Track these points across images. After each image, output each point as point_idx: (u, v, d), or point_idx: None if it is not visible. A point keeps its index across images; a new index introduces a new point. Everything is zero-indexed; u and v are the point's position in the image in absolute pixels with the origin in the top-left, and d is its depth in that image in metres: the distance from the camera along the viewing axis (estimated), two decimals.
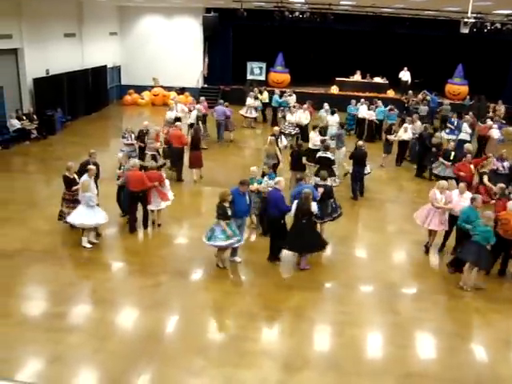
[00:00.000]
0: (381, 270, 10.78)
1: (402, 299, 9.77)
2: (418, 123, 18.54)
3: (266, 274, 10.26)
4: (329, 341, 8.44)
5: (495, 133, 18.84)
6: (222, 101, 21.55)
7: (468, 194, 11.17)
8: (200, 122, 18.83)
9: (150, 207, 12.03)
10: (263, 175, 12.19)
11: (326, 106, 20.29)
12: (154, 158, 13.97)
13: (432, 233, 11.47)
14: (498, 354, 8.22)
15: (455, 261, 10.53)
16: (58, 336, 8.04)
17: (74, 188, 11.32)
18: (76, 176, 11.43)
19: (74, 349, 7.80)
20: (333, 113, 19.67)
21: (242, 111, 23.43)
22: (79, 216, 10.81)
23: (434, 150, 16.22)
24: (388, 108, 20.99)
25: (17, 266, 10.23)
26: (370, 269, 10.88)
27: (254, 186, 11.60)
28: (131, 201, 11.80)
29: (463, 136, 18.73)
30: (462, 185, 11.57)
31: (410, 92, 25.23)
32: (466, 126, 19.07)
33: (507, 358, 8.16)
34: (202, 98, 21.44)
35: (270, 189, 11.19)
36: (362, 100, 22.22)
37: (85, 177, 11.04)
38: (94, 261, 10.65)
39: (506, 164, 14.62)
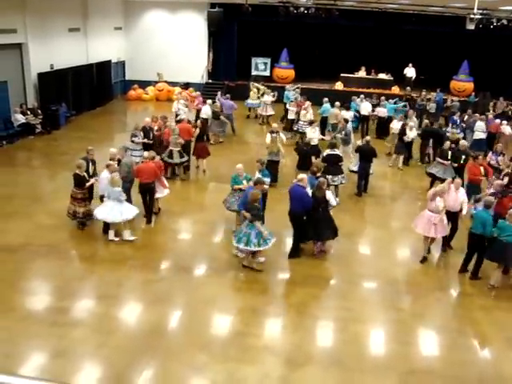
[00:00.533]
0: (384, 266, 10.77)
1: (405, 296, 9.75)
2: (414, 119, 18.47)
3: (269, 269, 10.25)
4: (332, 337, 8.44)
5: (507, 129, 18.62)
6: (228, 95, 21.69)
7: (463, 190, 11.25)
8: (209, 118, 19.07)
9: (157, 195, 12.21)
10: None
11: (337, 102, 20.38)
12: (180, 154, 14.66)
13: (430, 239, 11.05)
14: (502, 352, 8.21)
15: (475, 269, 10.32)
16: (61, 331, 8.06)
17: (88, 184, 11.38)
18: (85, 174, 11.45)
19: (78, 343, 7.83)
20: (347, 108, 20.03)
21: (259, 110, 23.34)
22: (111, 211, 10.88)
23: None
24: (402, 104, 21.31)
25: (21, 260, 10.26)
26: (373, 265, 10.87)
27: (238, 186, 11.34)
28: (143, 193, 11.87)
29: (479, 135, 18.35)
30: (457, 180, 11.50)
31: (408, 88, 25.14)
32: (481, 125, 18.77)
33: (511, 357, 8.13)
34: (197, 93, 21.44)
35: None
36: (362, 96, 22.09)
37: (105, 173, 11.16)
38: (97, 256, 10.69)
39: (500, 158, 14.64)
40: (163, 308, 8.87)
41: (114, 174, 10.97)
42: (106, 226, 11.29)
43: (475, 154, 14.15)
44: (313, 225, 10.60)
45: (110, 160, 11.80)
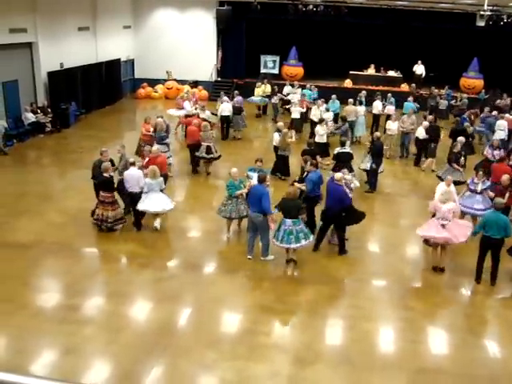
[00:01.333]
0: (394, 264, 10.75)
1: (414, 294, 9.74)
2: (413, 117, 18.27)
3: (278, 267, 10.26)
4: (341, 335, 8.44)
5: None
6: (237, 91, 21.95)
7: (453, 187, 11.25)
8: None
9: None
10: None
11: (351, 100, 20.54)
12: (208, 148, 15.03)
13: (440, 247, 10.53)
14: (511, 349, 8.17)
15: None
16: (71, 328, 8.12)
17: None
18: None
19: (88, 341, 7.88)
20: (361, 103, 20.40)
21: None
22: (156, 202, 11.24)
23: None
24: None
25: (32, 257, 10.34)
26: (383, 263, 10.86)
27: (240, 192, 11.13)
28: None
29: (500, 134, 17.75)
30: (448, 177, 11.52)
31: (414, 85, 25.02)
32: (503, 124, 18.39)
33: None
34: (194, 90, 21.47)
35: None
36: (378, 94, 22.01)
37: (134, 169, 11.36)
38: (107, 253, 10.74)
39: (496, 152, 14.52)
40: (172, 306, 8.91)
41: (152, 166, 11.33)
42: (137, 220, 11.59)
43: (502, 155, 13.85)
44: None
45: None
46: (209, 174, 15.75)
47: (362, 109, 20.07)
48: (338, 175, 10.85)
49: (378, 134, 15.17)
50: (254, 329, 8.33)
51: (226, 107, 19.42)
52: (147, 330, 8.21)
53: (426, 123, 17.18)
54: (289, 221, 9.88)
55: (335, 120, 19.47)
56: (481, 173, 11.99)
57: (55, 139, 19.39)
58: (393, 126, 18.13)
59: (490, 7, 18.38)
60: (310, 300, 9.27)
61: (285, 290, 9.52)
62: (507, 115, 19.49)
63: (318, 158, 13.91)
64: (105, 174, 11.08)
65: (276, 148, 15.30)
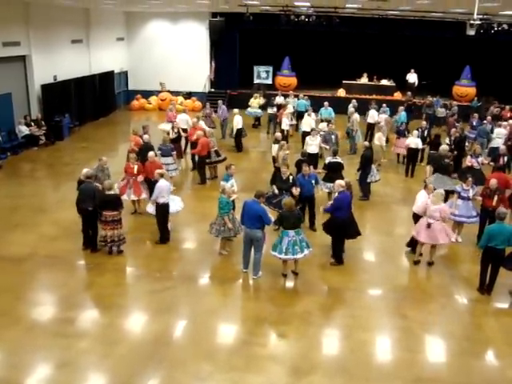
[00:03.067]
0: (389, 273, 10.74)
1: (410, 302, 9.71)
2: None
3: (273, 278, 10.23)
4: (337, 345, 8.41)
5: None
6: (221, 101, 22.10)
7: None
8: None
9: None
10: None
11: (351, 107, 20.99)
12: (217, 152, 15.93)
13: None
14: (509, 357, 8.16)
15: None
16: (67, 341, 8.07)
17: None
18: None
19: (83, 354, 7.83)
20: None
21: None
22: (173, 203, 11.81)
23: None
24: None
25: (26, 271, 10.30)
26: (378, 272, 10.85)
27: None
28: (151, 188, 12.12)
29: (498, 142, 17.57)
30: (430, 185, 11.47)
31: (409, 93, 25.18)
32: (501, 131, 18.36)
33: None
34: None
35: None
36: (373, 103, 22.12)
37: (163, 181, 11.38)
38: (102, 266, 10.69)
39: (479, 159, 14.59)
40: (168, 318, 8.87)
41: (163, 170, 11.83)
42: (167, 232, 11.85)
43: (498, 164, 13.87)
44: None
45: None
46: (216, 177, 16.08)
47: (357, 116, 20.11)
48: (338, 183, 10.96)
49: (366, 143, 15.22)
50: (250, 340, 8.31)
51: (237, 120, 19.39)
52: (143, 343, 8.17)
53: (416, 132, 17.08)
54: (291, 232, 9.85)
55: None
56: (470, 179, 12.04)
57: (49, 152, 19.37)
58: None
59: (480, 16, 18.51)
60: (306, 310, 9.25)
61: (280, 301, 9.50)
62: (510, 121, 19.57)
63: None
64: (110, 192, 10.78)
65: (274, 159, 15.30)
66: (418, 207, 11.14)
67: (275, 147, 15.18)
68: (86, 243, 11.17)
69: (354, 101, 21.95)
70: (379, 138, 17.93)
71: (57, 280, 10.05)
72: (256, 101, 23.83)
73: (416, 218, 11.28)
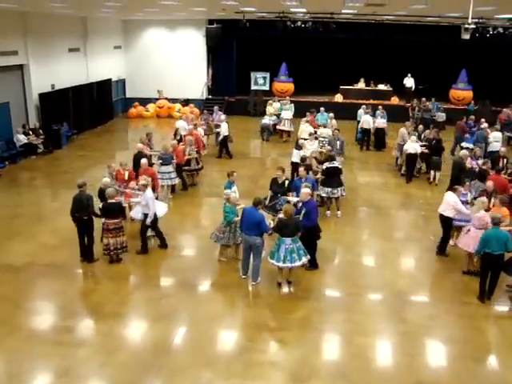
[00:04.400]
0: (389, 277, 10.74)
1: (410, 307, 9.71)
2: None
3: (272, 284, 10.23)
4: (337, 350, 8.40)
5: None
6: (217, 107, 22.14)
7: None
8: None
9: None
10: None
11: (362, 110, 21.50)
12: (196, 160, 16.11)
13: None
14: (508, 360, 8.14)
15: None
16: (66, 350, 8.05)
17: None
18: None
19: (82, 363, 7.81)
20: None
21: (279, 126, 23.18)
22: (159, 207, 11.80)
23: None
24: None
25: (25, 280, 10.28)
26: (377, 277, 10.84)
27: (237, 218, 10.83)
28: None
29: (495, 146, 17.50)
30: (459, 188, 11.37)
31: (416, 100, 25.25)
32: (497, 135, 18.34)
33: None
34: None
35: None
36: (364, 107, 22.15)
37: (150, 191, 11.30)
38: (100, 274, 10.69)
39: (479, 162, 14.60)
40: (167, 325, 8.85)
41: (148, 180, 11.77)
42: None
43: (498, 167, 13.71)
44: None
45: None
46: (195, 184, 16.23)
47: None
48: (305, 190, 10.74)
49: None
50: (250, 346, 8.29)
51: (223, 126, 19.25)
52: (142, 351, 8.15)
53: (414, 137, 16.89)
54: (288, 239, 9.80)
55: None
56: (468, 183, 12.04)
57: (47, 160, 19.38)
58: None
59: (475, 20, 18.57)
60: (305, 316, 9.25)
61: (279, 307, 9.49)
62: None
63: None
64: (112, 200, 10.76)
65: (294, 164, 15.25)
66: (446, 207, 11.05)
67: (295, 152, 15.39)
68: (84, 254, 11.13)
69: (363, 106, 22.17)
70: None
71: (56, 288, 10.04)
72: (271, 107, 23.65)
73: (444, 221, 11.25)
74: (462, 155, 14.71)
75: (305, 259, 10.01)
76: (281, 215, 10.12)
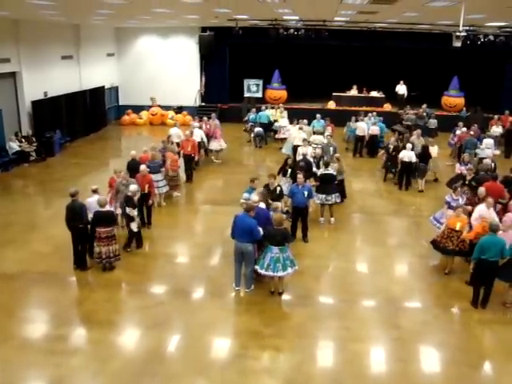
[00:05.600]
0: (382, 284, 10.76)
1: (403, 313, 9.73)
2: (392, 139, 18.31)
3: (266, 292, 10.23)
4: (331, 357, 8.39)
5: None
6: (214, 114, 21.91)
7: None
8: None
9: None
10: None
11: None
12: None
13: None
14: (501, 365, 8.18)
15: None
16: (58, 359, 8.02)
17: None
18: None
19: (76, 372, 7.77)
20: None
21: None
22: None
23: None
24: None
25: (18, 288, 10.23)
26: (370, 283, 10.86)
27: None
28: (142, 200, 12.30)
29: (486, 153, 17.53)
30: (489, 199, 11.00)
31: (408, 106, 25.41)
32: (489, 142, 18.42)
33: (509, 369, 8.09)
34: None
35: None
36: (354, 118, 22.32)
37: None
38: (94, 282, 10.66)
39: (468, 167, 14.70)
40: (161, 333, 8.83)
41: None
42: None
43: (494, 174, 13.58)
44: None
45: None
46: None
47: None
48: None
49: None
50: (244, 354, 8.28)
51: (197, 133, 18.97)
52: (136, 359, 8.13)
53: (409, 145, 16.87)
54: (275, 248, 9.77)
55: None
56: (459, 189, 12.10)
57: (40, 168, 19.34)
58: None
59: (466, 28, 18.72)
60: (299, 323, 9.25)
61: (273, 314, 9.49)
62: None
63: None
64: (104, 209, 10.74)
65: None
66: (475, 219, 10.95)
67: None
68: (77, 262, 11.09)
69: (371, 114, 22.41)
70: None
71: (49, 297, 10.00)
72: (278, 114, 23.66)
73: None
74: (485, 165, 14.29)
75: (290, 270, 9.91)
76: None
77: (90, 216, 10.86)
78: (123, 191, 11.89)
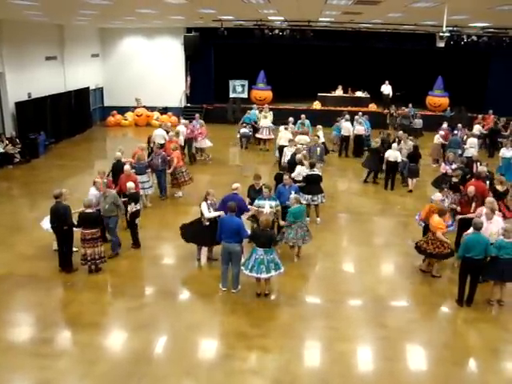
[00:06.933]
0: (368, 283, 10.81)
1: (390, 312, 9.79)
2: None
3: (253, 292, 10.22)
4: (318, 357, 8.41)
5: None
6: (197, 114, 21.90)
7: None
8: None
9: None
10: None
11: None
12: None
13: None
14: (487, 363, 8.26)
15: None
16: (44, 362, 7.95)
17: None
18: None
19: (62, 374, 7.72)
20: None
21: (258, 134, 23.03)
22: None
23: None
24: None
25: (2, 291, 10.13)
26: (357, 283, 10.91)
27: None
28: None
29: (470, 152, 17.45)
30: (489, 212, 10.68)
31: (393, 106, 25.56)
32: (473, 142, 18.43)
33: (495, 367, 8.19)
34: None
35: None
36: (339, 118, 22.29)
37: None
38: (79, 284, 10.58)
39: (453, 166, 14.87)
40: (147, 335, 8.80)
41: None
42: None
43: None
44: None
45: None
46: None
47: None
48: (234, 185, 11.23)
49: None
50: (230, 354, 8.28)
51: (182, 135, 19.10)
52: (122, 361, 8.09)
53: (395, 145, 16.97)
54: (260, 250, 9.77)
55: None
56: (445, 189, 12.18)
57: (24, 170, 19.17)
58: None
59: (450, 28, 18.87)
60: (286, 323, 9.26)
61: (259, 315, 9.49)
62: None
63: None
64: (89, 210, 10.68)
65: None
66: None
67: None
68: (62, 264, 11.01)
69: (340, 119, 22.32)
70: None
71: (34, 300, 9.91)
72: (263, 114, 23.40)
73: None
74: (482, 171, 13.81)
75: (274, 273, 9.91)
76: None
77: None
78: (102, 203, 11.67)
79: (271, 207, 11.32)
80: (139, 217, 12.04)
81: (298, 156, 14.53)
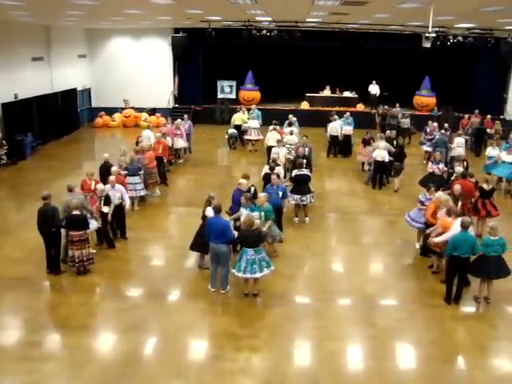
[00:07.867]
0: (357, 282, 10.84)
1: (379, 311, 9.83)
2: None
3: (241, 292, 10.22)
4: (307, 356, 8.43)
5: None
6: (186, 115, 21.85)
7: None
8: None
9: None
10: None
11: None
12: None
13: None
14: (474, 360, 8.31)
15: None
16: (32, 365, 7.89)
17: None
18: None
19: (51, 377, 7.66)
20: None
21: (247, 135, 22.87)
22: None
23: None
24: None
25: None
26: (346, 282, 10.94)
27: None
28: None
29: (458, 152, 17.38)
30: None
31: (381, 106, 25.64)
32: (460, 141, 18.60)
33: (482, 363, 8.25)
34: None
35: None
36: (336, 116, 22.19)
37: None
38: (68, 286, 10.53)
39: (440, 166, 15.00)
40: (137, 336, 8.76)
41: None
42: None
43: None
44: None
45: None
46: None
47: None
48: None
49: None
50: (220, 355, 8.27)
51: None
52: (112, 363, 8.05)
53: (383, 144, 16.96)
54: (250, 250, 9.77)
55: None
56: (432, 188, 12.25)
57: (11, 171, 19.04)
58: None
59: (436, 29, 18.99)
60: (275, 323, 9.27)
61: (249, 315, 9.49)
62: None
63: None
64: (76, 212, 10.60)
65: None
66: None
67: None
68: (50, 266, 10.94)
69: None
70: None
71: (21, 302, 9.83)
72: (239, 117, 23.23)
73: None
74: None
75: (266, 271, 9.93)
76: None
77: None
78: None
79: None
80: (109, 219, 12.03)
81: (274, 156, 14.62)
